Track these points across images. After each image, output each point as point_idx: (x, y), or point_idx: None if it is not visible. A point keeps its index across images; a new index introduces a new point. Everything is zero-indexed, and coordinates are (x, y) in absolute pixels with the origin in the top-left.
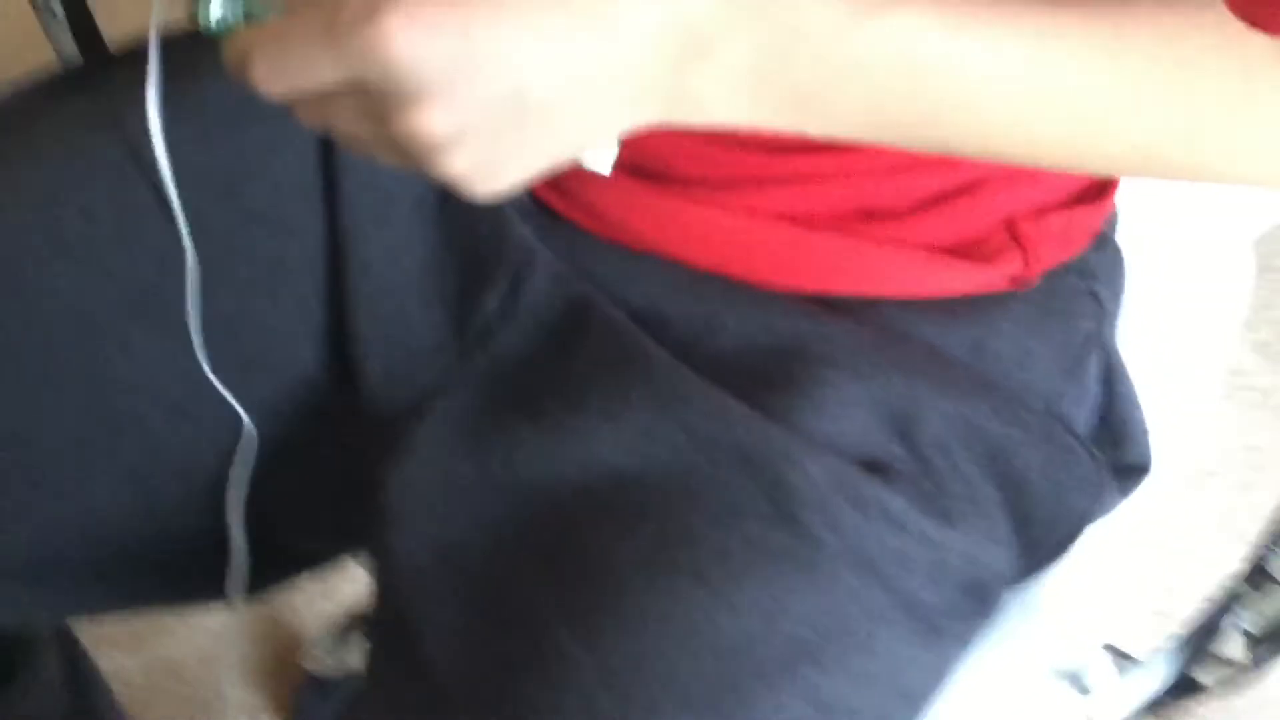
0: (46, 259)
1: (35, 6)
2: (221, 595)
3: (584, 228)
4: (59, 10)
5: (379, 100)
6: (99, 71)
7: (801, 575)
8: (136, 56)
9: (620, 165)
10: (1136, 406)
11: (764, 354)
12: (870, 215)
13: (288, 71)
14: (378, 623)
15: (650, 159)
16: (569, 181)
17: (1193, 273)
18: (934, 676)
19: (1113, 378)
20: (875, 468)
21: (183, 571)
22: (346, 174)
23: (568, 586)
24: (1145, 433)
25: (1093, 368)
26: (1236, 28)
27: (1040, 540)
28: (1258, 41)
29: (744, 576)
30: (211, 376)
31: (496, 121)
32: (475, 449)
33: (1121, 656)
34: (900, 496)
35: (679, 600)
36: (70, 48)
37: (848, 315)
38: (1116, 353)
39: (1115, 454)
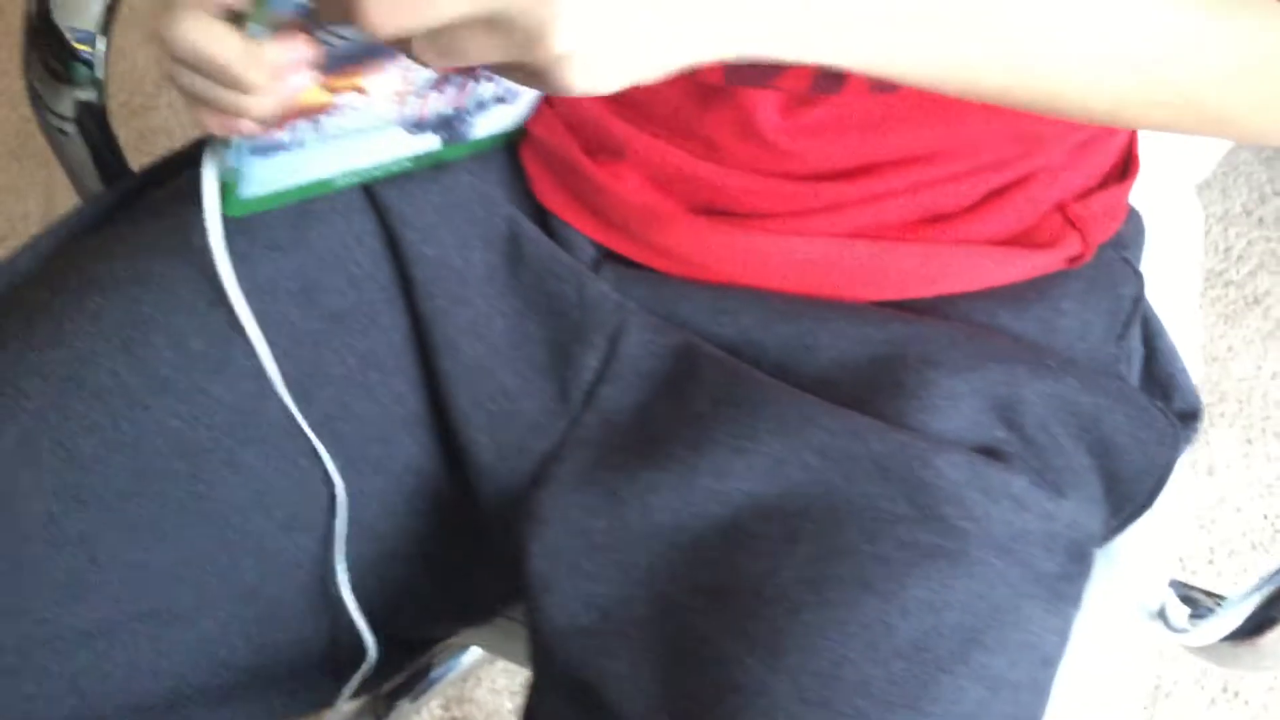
0: (146, 398)
1: (49, 130)
2: (337, 695)
3: (664, 271)
4: (70, 129)
5: (511, 30)
6: (148, 193)
7: (955, 567)
8: (183, 173)
9: (689, 207)
10: (1178, 358)
11: (864, 364)
12: (937, 220)
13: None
14: (548, 689)
15: (718, 198)
16: (642, 229)
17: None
18: (1063, 639)
19: (1152, 335)
20: (989, 453)
21: (305, 678)
22: (415, 263)
23: (741, 617)
24: (1189, 380)
25: (1136, 329)
26: None
27: (1128, 497)
28: None
29: (906, 578)
30: (315, 440)
31: (616, 17)
32: (608, 504)
33: (1208, 595)
34: (1020, 477)
35: (853, 610)
36: (88, 170)
37: (932, 315)
38: (1153, 312)
39: (1167, 405)
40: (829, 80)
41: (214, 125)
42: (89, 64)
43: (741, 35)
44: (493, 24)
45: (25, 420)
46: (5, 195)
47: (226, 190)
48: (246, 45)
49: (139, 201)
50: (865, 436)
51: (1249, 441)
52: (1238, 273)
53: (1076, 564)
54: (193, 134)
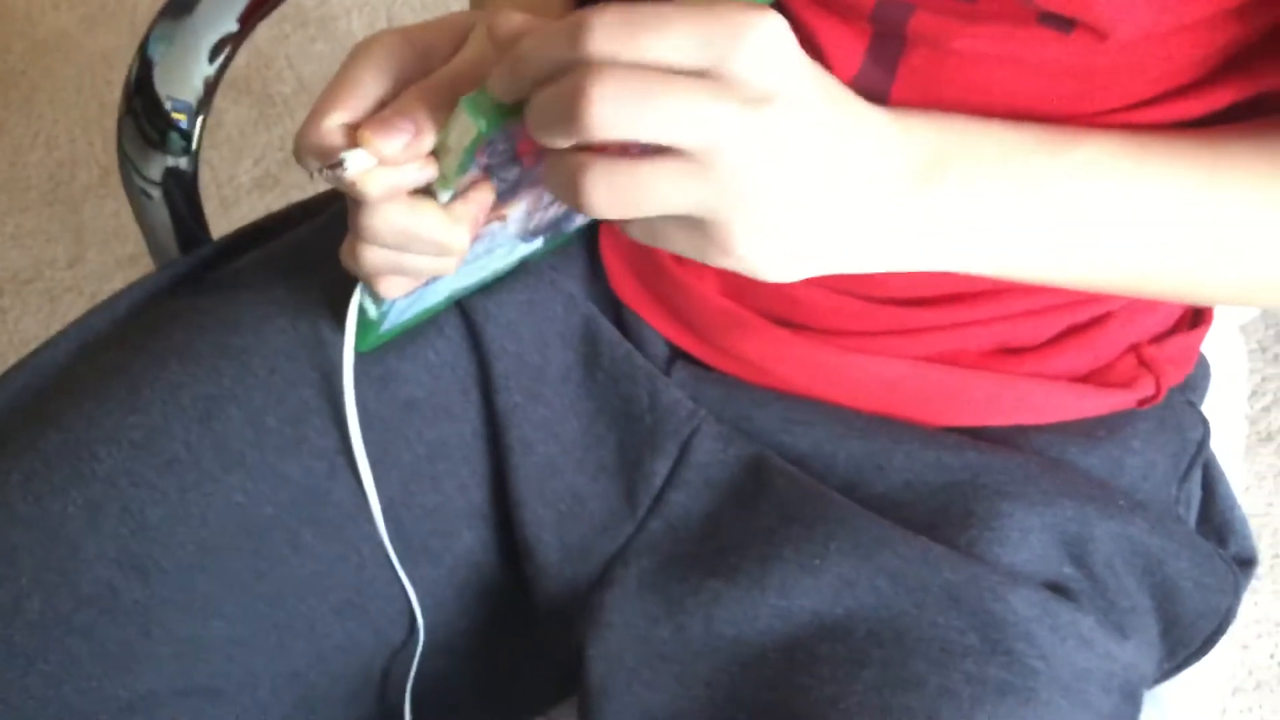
0: (217, 472)
1: (131, 190)
2: None
3: (740, 378)
4: (155, 193)
5: (703, 229)
6: (224, 263)
7: (1024, 706)
8: (263, 245)
9: (767, 316)
10: (1235, 503)
11: (936, 490)
12: (1013, 352)
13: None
14: None
15: (792, 311)
16: (718, 335)
17: None
18: None
19: (1212, 479)
20: (1057, 590)
21: None
22: (496, 357)
23: None
24: (1246, 526)
25: (1198, 473)
26: None
27: (1184, 642)
28: None
29: (974, 712)
30: (401, 573)
31: (798, 198)
32: (671, 612)
33: None
34: (1088, 616)
35: None
36: (167, 238)
37: (1005, 445)
38: (1214, 457)
39: (1222, 550)
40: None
41: (400, 289)
42: (184, 133)
43: (881, 256)
44: (690, 222)
45: (95, 485)
46: (34, 238)
47: (366, 325)
48: (446, 214)
49: (214, 271)
50: (937, 564)
51: (1257, 577)
52: (1252, 408)
53: (1129, 705)
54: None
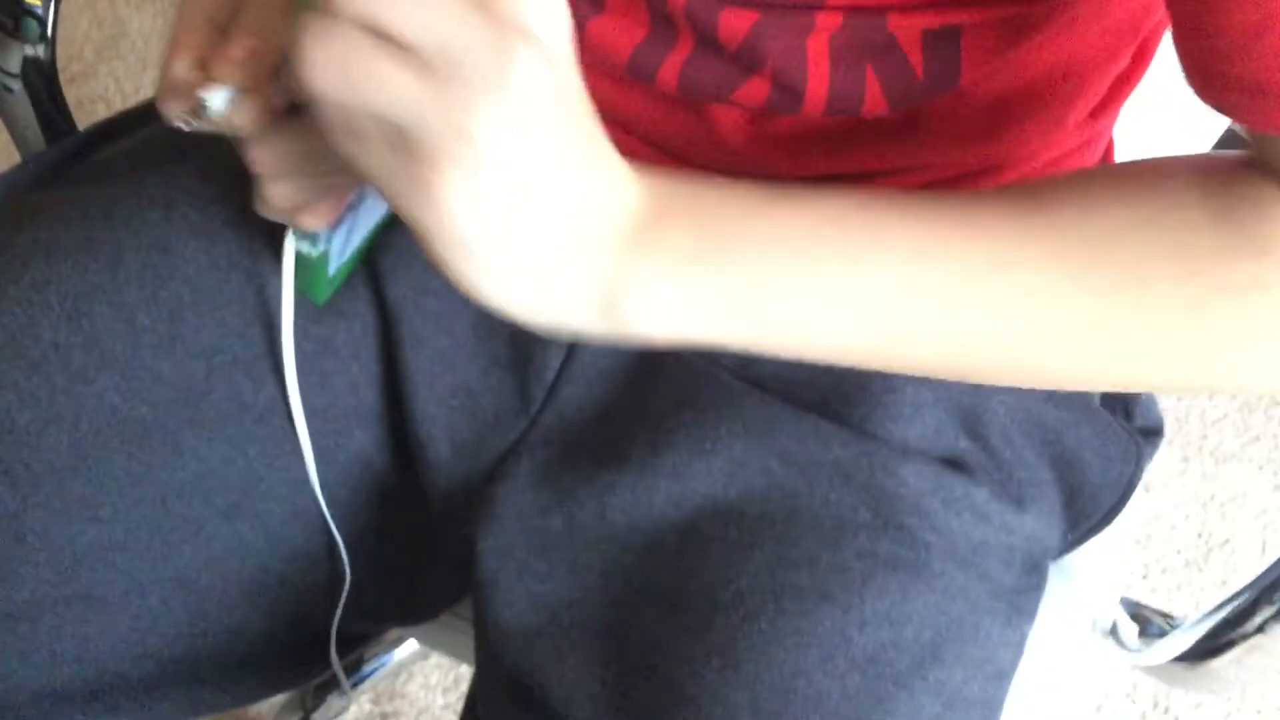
0: (88, 371)
1: None
2: (267, 691)
3: None
4: (15, 86)
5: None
6: (91, 153)
7: (916, 580)
8: (130, 134)
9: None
10: None
11: (829, 367)
12: None
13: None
14: (492, 690)
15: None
16: None
17: None
18: (1018, 654)
19: None
20: (952, 464)
21: (235, 673)
22: (385, 252)
23: (695, 622)
24: (1152, 398)
25: None
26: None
27: (1087, 513)
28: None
29: (865, 589)
30: (312, 474)
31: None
32: (563, 504)
33: (1161, 615)
34: (982, 489)
35: (810, 620)
36: (32, 128)
37: None
38: None
39: (1129, 422)
40: (785, 100)
41: (325, 216)
42: (40, 19)
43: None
44: (397, 139)
45: None
46: None
47: (312, 271)
48: None
49: (83, 163)
50: (828, 442)
51: (1185, 460)
52: None
53: (1032, 578)
54: (133, 102)
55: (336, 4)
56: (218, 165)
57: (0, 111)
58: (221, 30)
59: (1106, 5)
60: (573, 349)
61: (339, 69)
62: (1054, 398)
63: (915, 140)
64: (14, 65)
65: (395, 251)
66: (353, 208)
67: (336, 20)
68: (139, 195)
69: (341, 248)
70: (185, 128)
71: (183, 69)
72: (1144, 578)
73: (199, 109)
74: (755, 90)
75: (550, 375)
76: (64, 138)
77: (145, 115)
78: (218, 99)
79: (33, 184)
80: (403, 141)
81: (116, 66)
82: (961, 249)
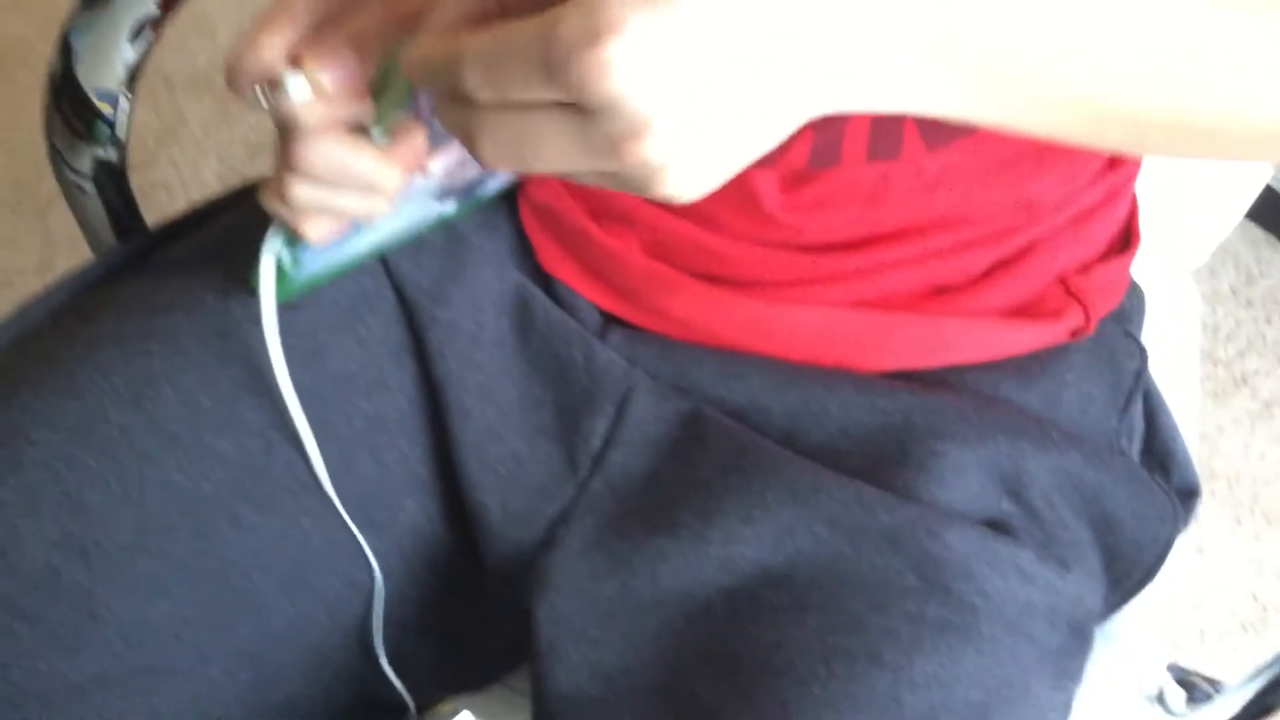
0: (153, 452)
1: (65, 184)
2: None
3: (672, 336)
4: (87, 186)
5: (595, 129)
6: (158, 250)
7: (964, 642)
8: (194, 232)
9: (692, 274)
10: (1178, 434)
11: (872, 434)
12: (940, 291)
13: (496, 83)
14: None
15: (720, 267)
16: (646, 296)
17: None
18: (1065, 716)
19: (1153, 410)
20: (996, 526)
21: None
22: (428, 326)
23: (749, 687)
24: (1189, 458)
25: (1138, 404)
26: None
27: (1127, 573)
28: None
29: (915, 652)
30: (356, 532)
31: (708, 125)
32: (616, 570)
33: (1207, 681)
34: (1026, 550)
35: (861, 683)
36: (103, 226)
37: (938, 386)
38: (1154, 386)
39: (1166, 481)
40: (826, 153)
41: (324, 231)
42: (110, 123)
43: (839, 91)
44: (583, 143)
45: (31, 469)
46: (2, 247)
47: (280, 275)
48: (381, 153)
49: (151, 258)
50: (873, 507)
51: (1238, 521)
52: (1226, 352)
53: (1078, 640)
54: (191, 190)
55: (472, 96)
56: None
57: (72, 209)
58: (316, 27)
59: None
60: (618, 416)
61: (513, 156)
62: (1091, 459)
63: (944, 194)
64: (85, 166)
65: (439, 327)
66: (347, 235)
67: (481, 112)
68: (199, 286)
69: (312, 261)
70: (253, 101)
71: (272, 50)
72: (1200, 642)
73: (278, 90)
74: (799, 148)
75: (597, 442)
76: (132, 234)
77: (207, 214)
78: (302, 91)
79: (102, 279)
80: (611, 174)
81: (176, 154)
82: None
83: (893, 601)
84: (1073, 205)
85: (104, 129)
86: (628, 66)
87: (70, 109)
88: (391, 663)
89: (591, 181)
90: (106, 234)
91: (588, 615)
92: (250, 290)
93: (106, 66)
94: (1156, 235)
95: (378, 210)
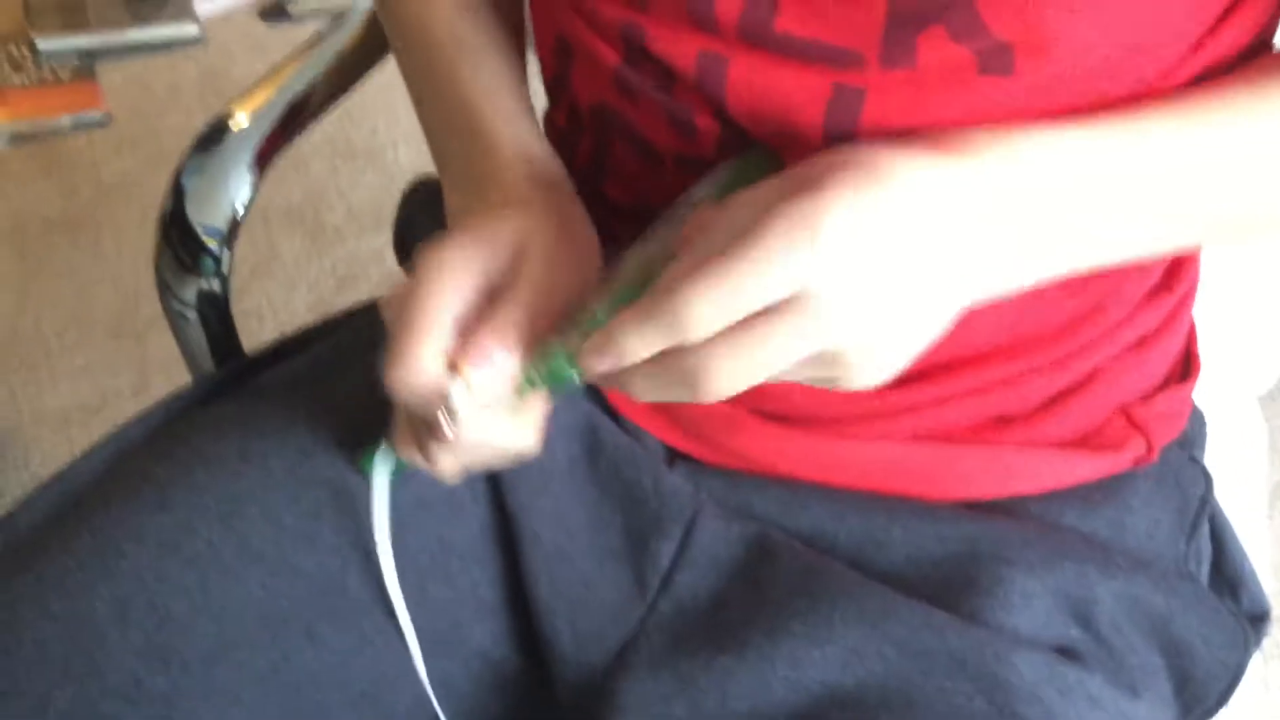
0: (238, 568)
1: (170, 312)
2: None
3: (737, 469)
4: (191, 315)
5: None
6: (252, 375)
7: None
8: (287, 359)
9: (757, 413)
10: (1246, 559)
11: (937, 561)
12: (1001, 422)
13: (730, 310)
14: None
15: (783, 406)
16: (714, 435)
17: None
18: None
19: (1220, 535)
20: (1064, 652)
21: None
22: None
23: None
24: (1258, 582)
25: (1204, 528)
26: None
27: (1199, 698)
28: None
29: None
30: (419, 663)
31: (900, 331)
32: (685, 690)
33: None
34: (1095, 676)
35: None
36: (203, 352)
37: (1002, 514)
38: (1220, 511)
39: (1235, 606)
40: None
41: (456, 475)
42: (216, 258)
43: (990, 281)
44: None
45: (123, 581)
46: (101, 370)
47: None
48: (519, 422)
49: (244, 384)
50: (942, 631)
51: None
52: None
53: None
54: (283, 318)
55: (693, 336)
56: (355, 385)
57: (176, 337)
58: (463, 329)
59: None
60: (685, 539)
61: (744, 379)
62: (1159, 584)
63: (999, 324)
64: (190, 297)
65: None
66: None
67: (709, 355)
68: (288, 410)
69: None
70: (425, 412)
71: (433, 362)
72: None
73: (449, 404)
74: None
75: (665, 563)
76: (230, 360)
77: (298, 343)
78: (462, 397)
79: (200, 401)
80: (814, 358)
81: (269, 285)
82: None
83: None
84: (1129, 331)
85: (210, 263)
86: (842, 309)
87: (179, 244)
88: None
89: (800, 379)
90: (206, 360)
91: None
92: (359, 470)
93: (214, 206)
94: (1219, 361)
95: (512, 464)
